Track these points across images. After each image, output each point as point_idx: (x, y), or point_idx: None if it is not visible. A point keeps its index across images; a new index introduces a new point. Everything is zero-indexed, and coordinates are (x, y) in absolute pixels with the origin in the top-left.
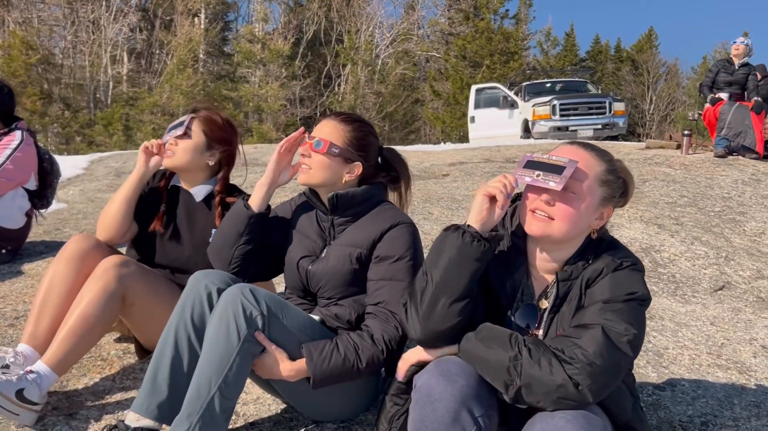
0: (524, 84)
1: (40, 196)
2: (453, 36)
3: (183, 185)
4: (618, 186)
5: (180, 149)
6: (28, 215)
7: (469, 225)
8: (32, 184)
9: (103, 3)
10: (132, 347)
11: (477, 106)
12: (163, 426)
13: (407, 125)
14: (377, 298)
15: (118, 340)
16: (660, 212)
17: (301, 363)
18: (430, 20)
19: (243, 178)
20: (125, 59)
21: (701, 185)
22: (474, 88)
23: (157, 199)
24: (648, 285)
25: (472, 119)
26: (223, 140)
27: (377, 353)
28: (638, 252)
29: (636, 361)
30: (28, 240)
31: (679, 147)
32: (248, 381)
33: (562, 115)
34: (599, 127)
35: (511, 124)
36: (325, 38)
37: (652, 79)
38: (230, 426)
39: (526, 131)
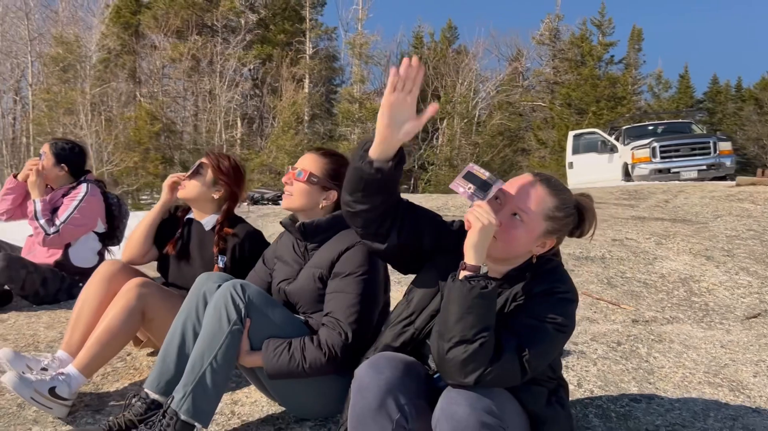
0: (624, 128)
1: (111, 236)
2: (558, 85)
3: (195, 217)
4: (567, 222)
5: (190, 183)
6: (100, 254)
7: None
8: (101, 228)
9: (218, 74)
10: None
11: (575, 151)
12: None
13: (504, 174)
14: (327, 309)
15: (152, 354)
16: (713, 245)
17: (260, 353)
18: (534, 71)
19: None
20: (238, 124)
21: None
22: (572, 133)
23: (175, 228)
24: (674, 313)
25: (570, 165)
26: (227, 178)
27: (319, 355)
28: (675, 282)
29: (619, 375)
30: None
31: None
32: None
33: (662, 157)
34: (704, 167)
35: (611, 168)
36: (422, 94)
37: None
38: (225, 423)
39: (627, 175)
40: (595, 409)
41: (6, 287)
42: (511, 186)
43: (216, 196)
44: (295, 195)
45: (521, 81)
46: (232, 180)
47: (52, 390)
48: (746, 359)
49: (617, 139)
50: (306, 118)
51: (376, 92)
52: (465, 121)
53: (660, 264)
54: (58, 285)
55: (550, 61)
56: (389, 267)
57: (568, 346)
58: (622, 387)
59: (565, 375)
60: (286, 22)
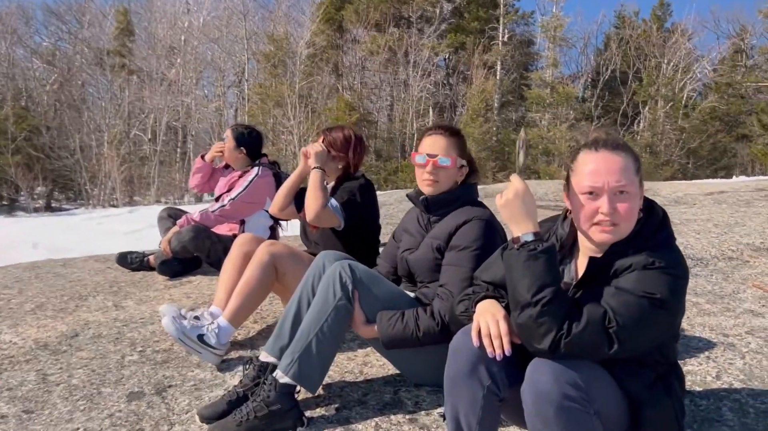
0: None
1: None
2: None
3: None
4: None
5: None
6: (272, 228)
7: None
8: (269, 205)
9: (411, 65)
10: None
11: None
12: None
13: (715, 161)
14: (442, 280)
15: None
16: None
17: (375, 325)
18: (760, 48)
19: None
20: (430, 113)
21: None
22: None
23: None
24: None
25: None
26: (341, 152)
27: (432, 325)
28: None
29: None
30: None
31: None
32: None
33: None
34: None
35: None
36: (622, 76)
37: None
38: (353, 380)
39: None
40: (731, 403)
41: (195, 254)
42: (597, 174)
43: (340, 166)
44: (441, 181)
45: (744, 60)
46: (347, 152)
47: (200, 337)
48: None
49: None
50: (496, 104)
51: (571, 77)
52: (670, 104)
53: None
54: None
55: None
56: None
57: (714, 337)
58: None
59: (703, 366)
60: (481, 9)
